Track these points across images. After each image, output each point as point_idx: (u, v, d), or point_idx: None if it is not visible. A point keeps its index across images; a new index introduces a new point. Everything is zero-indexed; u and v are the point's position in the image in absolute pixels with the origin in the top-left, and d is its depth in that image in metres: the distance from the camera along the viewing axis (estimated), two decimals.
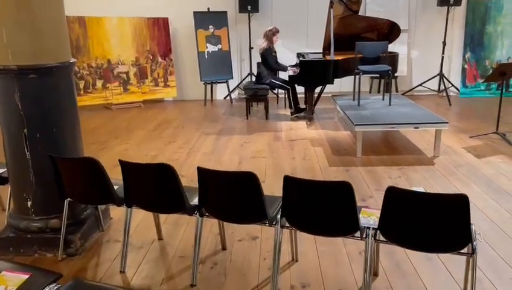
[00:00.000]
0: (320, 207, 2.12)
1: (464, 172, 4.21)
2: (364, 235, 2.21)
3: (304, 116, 6.52)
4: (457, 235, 1.91)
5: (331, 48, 5.99)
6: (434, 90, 8.06)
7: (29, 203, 2.88)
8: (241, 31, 7.95)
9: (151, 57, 7.79)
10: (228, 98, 8.04)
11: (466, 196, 1.82)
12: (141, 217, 3.35)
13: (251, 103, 6.85)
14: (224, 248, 2.95)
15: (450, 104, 7.29)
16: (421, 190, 3.91)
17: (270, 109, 6.71)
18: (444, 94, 7.74)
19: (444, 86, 7.71)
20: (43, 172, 2.82)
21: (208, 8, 7.69)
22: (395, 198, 1.96)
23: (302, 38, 7.94)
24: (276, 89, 7.09)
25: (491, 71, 6.83)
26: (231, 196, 2.30)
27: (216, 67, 7.75)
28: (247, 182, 2.22)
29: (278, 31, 6.43)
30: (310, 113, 6.29)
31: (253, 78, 7.81)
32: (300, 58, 6.40)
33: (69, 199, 2.82)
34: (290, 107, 6.58)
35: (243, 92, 7.86)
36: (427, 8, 7.85)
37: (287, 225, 2.32)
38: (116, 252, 2.96)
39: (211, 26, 7.67)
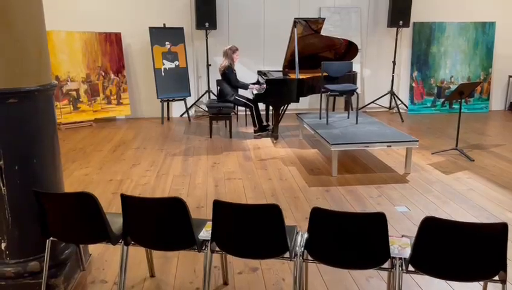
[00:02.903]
0: (352, 239, 2.03)
1: (438, 189, 4.35)
2: (390, 265, 2.15)
3: (266, 135, 6.47)
4: (493, 263, 1.91)
5: (296, 67, 6.02)
6: (385, 107, 8.39)
7: (3, 245, 2.52)
8: (198, 48, 7.79)
9: (103, 74, 7.37)
10: (185, 115, 7.80)
11: (506, 224, 1.83)
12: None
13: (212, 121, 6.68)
14: (226, 283, 2.76)
15: (403, 121, 7.61)
16: (403, 209, 3.99)
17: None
18: (395, 111, 8.09)
19: (396, 103, 8.06)
20: (21, 209, 2.48)
21: (164, 24, 7.45)
22: (431, 228, 1.92)
23: (259, 56, 7.94)
24: (236, 107, 6.98)
25: (451, 92, 7.28)
26: (251, 229, 2.15)
27: (173, 84, 7.51)
28: (271, 214, 2.08)
29: (237, 49, 6.37)
30: (276, 132, 6.24)
31: (212, 96, 7.67)
32: (264, 77, 6.36)
33: (51, 238, 2.50)
34: (254, 125, 6.50)
35: (204, 109, 7.70)
36: (377, 29, 8.19)
37: (309, 257, 2.20)
38: None
39: (167, 43, 7.43)
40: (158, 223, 2.27)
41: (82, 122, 7.18)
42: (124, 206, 2.30)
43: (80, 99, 7.18)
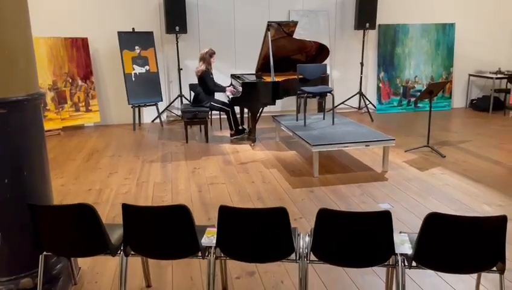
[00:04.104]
0: (358, 238, 2.08)
1: (416, 185, 4.51)
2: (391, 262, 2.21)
3: (242, 138, 6.47)
4: (492, 254, 2.01)
5: (271, 70, 6.07)
6: (354, 108, 8.59)
7: None
8: (169, 52, 7.69)
9: (70, 80, 7.15)
10: (157, 121, 7.69)
11: (506, 216, 1.93)
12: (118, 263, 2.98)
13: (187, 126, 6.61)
14: (225, 289, 2.75)
15: (372, 120, 7.82)
16: (387, 206, 4.11)
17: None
18: (364, 111, 8.31)
19: (365, 103, 8.27)
20: (13, 224, 2.38)
21: (133, 28, 7.31)
22: (434, 224, 1.99)
23: (230, 59, 7.94)
24: (210, 111, 6.95)
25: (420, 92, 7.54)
26: (259, 233, 2.15)
27: (144, 89, 7.38)
28: (278, 217, 2.10)
29: (214, 52, 6.34)
30: (253, 135, 6.26)
31: (184, 100, 7.60)
32: (239, 81, 6.36)
33: (45, 252, 2.41)
34: (231, 128, 6.49)
35: (176, 114, 7.62)
36: (345, 32, 8.38)
37: (315, 259, 2.23)
38: None
39: (137, 47, 7.30)
40: (162, 231, 2.23)
41: (50, 131, 6.91)
42: (125, 216, 2.24)
43: (47, 107, 6.93)
